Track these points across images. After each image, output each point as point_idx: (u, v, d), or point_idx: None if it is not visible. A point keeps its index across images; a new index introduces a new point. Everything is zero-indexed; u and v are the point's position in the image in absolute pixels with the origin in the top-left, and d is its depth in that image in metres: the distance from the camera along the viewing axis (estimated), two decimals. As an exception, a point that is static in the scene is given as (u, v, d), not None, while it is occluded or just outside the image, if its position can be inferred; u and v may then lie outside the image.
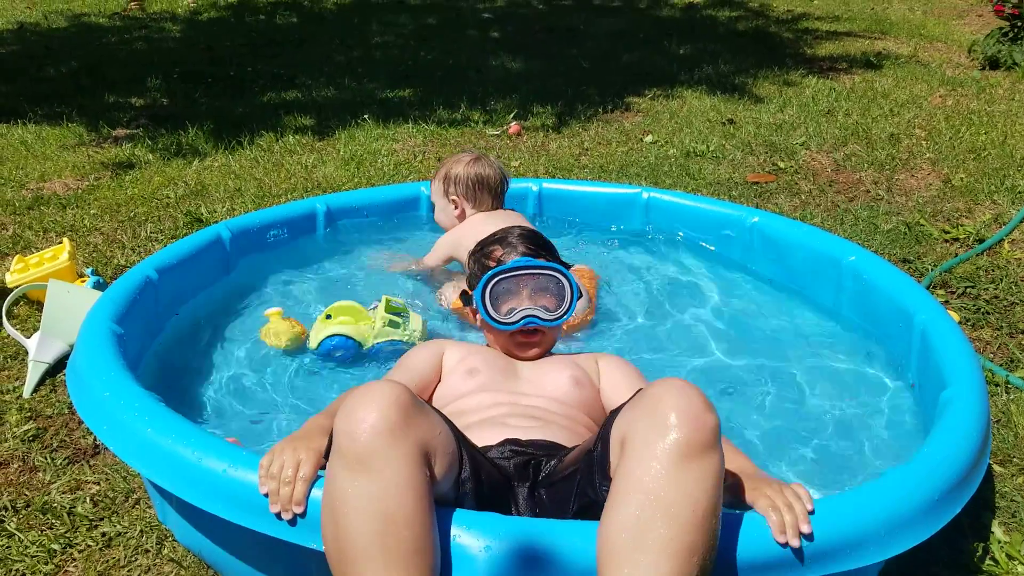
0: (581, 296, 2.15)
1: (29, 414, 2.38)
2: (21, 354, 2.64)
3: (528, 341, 2.09)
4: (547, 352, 2.14)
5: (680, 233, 3.15)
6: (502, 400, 1.93)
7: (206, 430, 1.80)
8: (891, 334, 2.44)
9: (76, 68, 6.07)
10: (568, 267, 2.16)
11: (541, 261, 2.10)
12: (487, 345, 2.21)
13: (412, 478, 1.40)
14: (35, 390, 2.49)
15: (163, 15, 7.97)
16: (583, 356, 2.15)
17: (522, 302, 2.07)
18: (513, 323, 2.06)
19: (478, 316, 2.13)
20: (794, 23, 7.46)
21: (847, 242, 2.78)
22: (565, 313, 2.08)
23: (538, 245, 2.18)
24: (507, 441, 1.76)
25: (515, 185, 3.20)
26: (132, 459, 1.77)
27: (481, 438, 1.76)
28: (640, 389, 1.54)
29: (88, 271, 2.98)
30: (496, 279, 2.07)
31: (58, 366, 2.54)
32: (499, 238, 2.20)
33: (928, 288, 3.01)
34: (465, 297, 2.21)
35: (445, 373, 2.07)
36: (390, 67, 6.18)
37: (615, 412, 1.54)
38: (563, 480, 1.64)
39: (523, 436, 1.78)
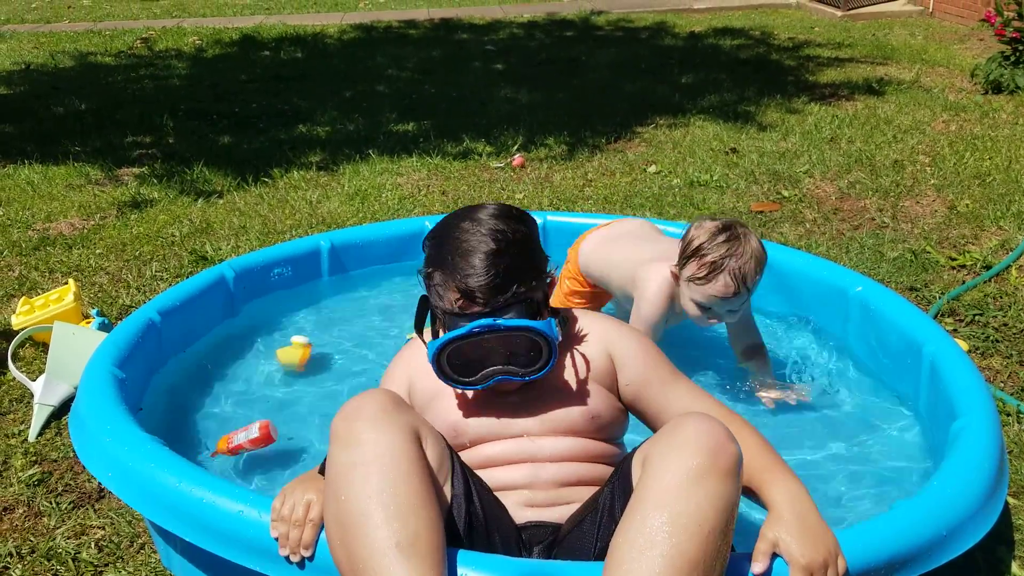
0: (564, 325, 1.81)
1: (34, 458, 2.38)
2: (26, 397, 2.63)
3: (504, 389, 1.75)
4: None
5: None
6: (513, 453, 1.72)
7: (209, 471, 1.80)
8: (900, 364, 2.43)
9: (82, 108, 6.13)
10: (548, 274, 1.78)
11: (510, 321, 1.65)
12: None
13: (405, 444, 1.48)
14: (40, 433, 2.48)
15: (169, 53, 8.05)
16: (590, 352, 1.81)
17: (489, 359, 1.69)
18: (479, 384, 1.70)
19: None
20: (796, 50, 7.49)
21: (853, 272, 2.77)
22: (542, 369, 1.70)
23: (506, 277, 1.65)
24: (530, 525, 1.68)
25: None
26: (137, 504, 1.76)
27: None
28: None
29: (93, 312, 2.99)
30: (452, 346, 1.67)
31: (63, 408, 2.54)
32: (454, 265, 1.66)
33: (936, 316, 2.99)
34: (419, 314, 1.80)
35: (420, 412, 1.77)
36: (394, 100, 6.22)
37: (634, 449, 1.57)
38: (577, 527, 1.63)
39: (553, 519, 1.69)
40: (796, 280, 2.81)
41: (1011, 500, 2.15)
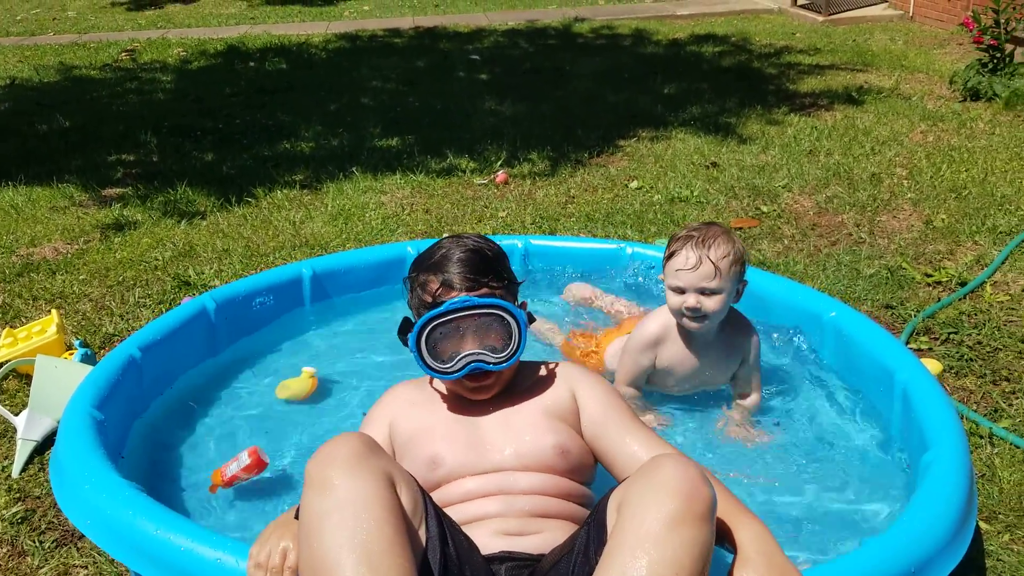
0: (533, 321, 1.97)
1: (17, 495, 2.39)
2: (9, 432, 2.65)
3: (479, 385, 1.91)
4: (505, 386, 1.95)
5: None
6: (488, 487, 1.80)
7: (189, 520, 1.82)
8: (874, 391, 2.46)
9: (67, 125, 6.13)
10: (519, 283, 2.00)
11: (482, 298, 1.86)
12: (439, 392, 2.01)
13: (377, 490, 1.50)
14: (23, 469, 2.49)
15: (154, 65, 8.05)
16: (555, 392, 1.95)
17: (464, 344, 1.86)
18: (455, 371, 1.86)
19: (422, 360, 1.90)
20: (776, 57, 7.54)
21: (827, 297, 2.80)
22: (514, 355, 1.88)
23: (480, 272, 1.89)
24: (505, 556, 1.71)
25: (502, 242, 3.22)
26: (116, 551, 1.78)
27: (475, 543, 1.72)
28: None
29: (76, 343, 3.00)
30: (431, 325, 1.86)
31: (47, 443, 2.55)
32: (437, 263, 1.91)
33: (911, 335, 3.03)
34: (401, 329, 1.96)
35: (400, 452, 1.91)
36: (379, 113, 6.24)
37: (610, 491, 1.61)
38: (552, 568, 1.65)
39: (524, 548, 1.72)
40: (772, 304, 2.84)
41: (983, 525, 2.18)
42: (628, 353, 2.52)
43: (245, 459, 2.20)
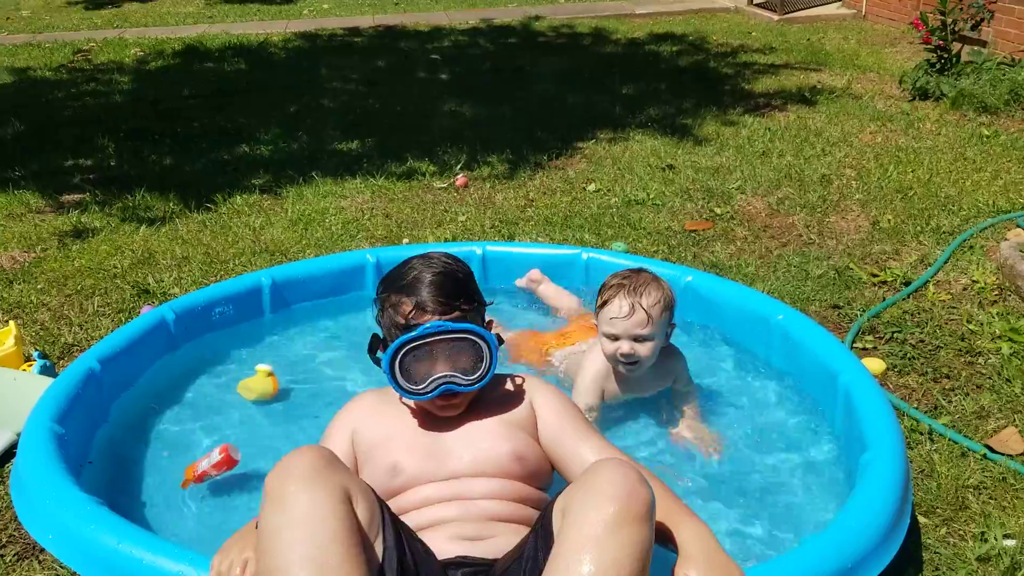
0: (502, 343, 2.04)
1: (-23, 509, 2.40)
2: (-31, 446, 2.65)
3: (448, 403, 1.97)
4: (469, 402, 2.02)
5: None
6: (446, 493, 1.87)
7: (151, 532, 1.86)
8: (819, 392, 2.55)
9: (22, 129, 6.06)
10: (487, 304, 2.06)
11: (455, 323, 1.91)
12: (404, 402, 2.05)
13: (333, 504, 1.55)
14: (-17, 483, 2.50)
15: (110, 66, 7.96)
16: (515, 403, 2.04)
17: (436, 367, 1.92)
18: (427, 392, 1.92)
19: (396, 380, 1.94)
20: (732, 56, 7.65)
21: (775, 301, 2.89)
22: (484, 376, 1.95)
23: (451, 295, 1.94)
24: (461, 560, 1.76)
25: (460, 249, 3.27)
26: (78, 566, 1.82)
27: (432, 548, 1.77)
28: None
29: (35, 354, 3.00)
30: (406, 349, 1.91)
31: (7, 456, 2.55)
32: (409, 284, 1.95)
33: (857, 335, 3.13)
34: (371, 346, 2.03)
35: (362, 460, 1.97)
36: (339, 116, 6.25)
37: (555, 496, 1.67)
38: (505, 573, 1.72)
39: (480, 553, 1.78)
40: (722, 307, 2.92)
41: (922, 519, 2.27)
42: (580, 394, 2.57)
43: (216, 456, 2.28)
